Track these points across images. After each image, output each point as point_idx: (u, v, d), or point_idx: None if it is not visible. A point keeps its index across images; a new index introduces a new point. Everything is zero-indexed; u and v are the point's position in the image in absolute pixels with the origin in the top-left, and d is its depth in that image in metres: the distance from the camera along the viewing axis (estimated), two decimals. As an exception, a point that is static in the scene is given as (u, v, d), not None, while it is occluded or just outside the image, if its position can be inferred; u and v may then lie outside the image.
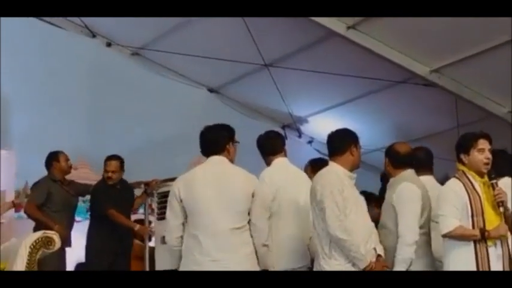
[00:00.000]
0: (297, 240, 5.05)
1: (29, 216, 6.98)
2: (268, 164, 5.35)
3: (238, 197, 4.49)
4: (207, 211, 4.46)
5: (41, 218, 6.78)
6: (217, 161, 4.62)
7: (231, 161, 4.68)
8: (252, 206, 4.50)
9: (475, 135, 4.55)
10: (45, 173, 7.25)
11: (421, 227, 4.63)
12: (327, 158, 4.92)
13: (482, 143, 4.48)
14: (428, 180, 5.12)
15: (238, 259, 4.40)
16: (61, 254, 6.65)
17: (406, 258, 4.51)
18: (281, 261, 4.90)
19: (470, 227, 4.35)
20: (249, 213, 4.50)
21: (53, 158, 7.19)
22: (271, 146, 5.39)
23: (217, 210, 4.44)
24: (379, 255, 4.50)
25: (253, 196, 4.51)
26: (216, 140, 4.67)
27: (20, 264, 5.49)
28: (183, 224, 4.55)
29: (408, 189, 4.69)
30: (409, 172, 4.86)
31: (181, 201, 4.54)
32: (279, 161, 5.32)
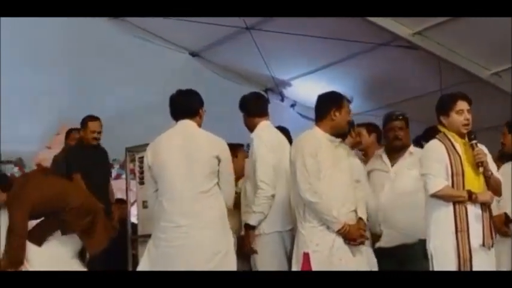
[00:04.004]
0: (286, 203, 5.01)
1: None
2: (251, 126, 5.16)
3: (203, 160, 4.45)
4: (172, 176, 4.44)
5: None
6: (187, 125, 4.59)
7: (199, 125, 4.65)
8: (219, 169, 4.48)
9: (453, 96, 4.53)
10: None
11: None
12: (310, 121, 4.87)
13: (461, 104, 4.47)
14: None
15: (202, 224, 4.38)
16: None
17: None
18: (269, 223, 4.87)
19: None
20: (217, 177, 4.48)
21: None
22: (258, 107, 5.22)
23: (182, 175, 4.42)
24: (360, 219, 4.50)
25: (219, 159, 4.48)
26: (190, 104, 4.65)
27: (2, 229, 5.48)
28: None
29: None
30: None
31: (150, 168, 4.52)
32: (265, 124, 5.15)
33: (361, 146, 5.73)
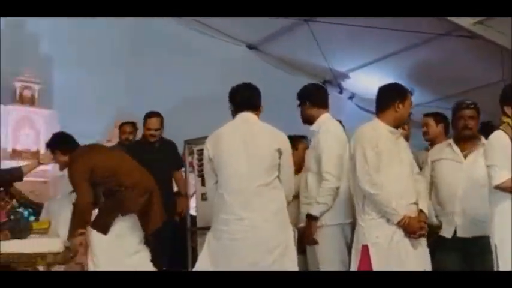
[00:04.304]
0: (348, 196, 4.89)
1: None
2: (310, 117, 5.04)
3: (264, 153, 4.44)
4: (233, 168, 4.43)
5: None
6: (247, 117, 4.59)
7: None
8: (280, 162, 4.46)
9: None
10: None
11: None
12: (369, 113, 4.81)
13: None
14: None
15: (264, 217, 4.36)
16: None
17: None
18: (332, 215, 4.83)
19: None
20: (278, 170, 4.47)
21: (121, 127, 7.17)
22: (321, 98, 5.09)
23: (244, 167, 4.41)
24: (421, 211, 4.45)
25: (280, 152, 4.47)
26: (253, 98, 4.65)
27: (64, 221, 5.58)
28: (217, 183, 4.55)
29: None
30: None
31: (210, 160, 4.54)
32: (328, 116, 5.03)
33: (428, 136, 5.63)
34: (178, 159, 7.20)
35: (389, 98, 4.58)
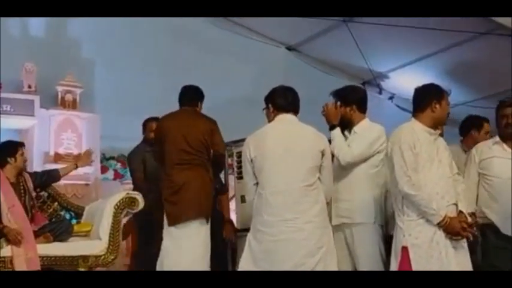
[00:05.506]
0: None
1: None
2: (353, 120, 4.92)
3: (308, 154, 4.45)
4: (277, 169, 4.43)
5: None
6: (290, 119, 4.61)
7: None
8: (322, 163, 4.48)
9: None
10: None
11: None
12: (409, 113, 4.75)
13: None
14: None
15: (308, 218, 4.36)
16: None
17: None
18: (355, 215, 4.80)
19: None
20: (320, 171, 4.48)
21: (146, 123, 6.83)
22: (364, 102, 5.00)
23: (288, 168, 4.41)
24: (460, 212, 4.39)
25: (323, 154, 4.48)
26: (296, 101, 4.68)
27: (105, 224, 5.64)
28: (257, 184, 4.54)
29: None
30: None
31: (251, 161, 4.54)
32: (367, 120, 4.96)
33: None
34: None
35: (425, 98, 4.54)
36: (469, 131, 6.22)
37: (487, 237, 5.03)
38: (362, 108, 4.98)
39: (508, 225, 4.92)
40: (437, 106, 4.52)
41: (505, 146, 5.09)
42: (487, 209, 5.05)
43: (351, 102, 4.94)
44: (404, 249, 4.28)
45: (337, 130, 4.86)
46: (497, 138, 5.16)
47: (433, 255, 4.25)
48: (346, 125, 4.97)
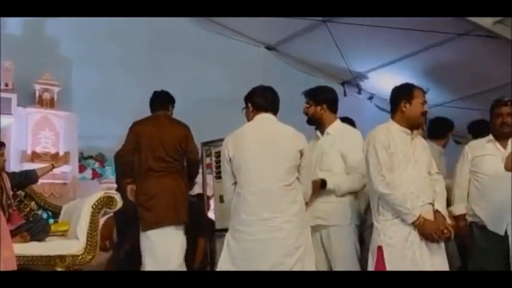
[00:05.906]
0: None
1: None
2: (324, 120, 4.98)
3: (287, 154, 4.44)
4: (256, 169, 4.42)
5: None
6: (269, 118, 4.60)
7: None
8: (301, 163, 4.47)
9: None
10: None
11: None
12: (388, 114, 4.77)
13: None
14: None
15: (286, 218, 4.35)
16: None
17: None
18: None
19: None
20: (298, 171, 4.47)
21: None
22: (334, 102, 5.06)
23: (266, 168, 4.40)
24: (437, 211, 4.40)
25: (301, 154, 4.47)
26: (276, 100, 4.67)
27: (83, 224, 5.59)
28: (236, 183, 4.53)
29: None
30: None
31: (230, 160, 4.53)
32: (339, 121, 5.06)
33: None
34: None
35: (396, 98, 4.56)
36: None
37: (475, 238, 5.06)
38: (332, 108, 5.03)
39: (495, 223, 4.93)
40: (407, 105, 4.50)
41: (498, 144, 5.10)
42: (476, 207, 5.07)
43: (321, 102, 4.99)
44: (380, 249, 4.29)
45: None
46: (490, 137, 5.18)
47: (407, 255, 4.26)
48: (317, 124, 5.04)
